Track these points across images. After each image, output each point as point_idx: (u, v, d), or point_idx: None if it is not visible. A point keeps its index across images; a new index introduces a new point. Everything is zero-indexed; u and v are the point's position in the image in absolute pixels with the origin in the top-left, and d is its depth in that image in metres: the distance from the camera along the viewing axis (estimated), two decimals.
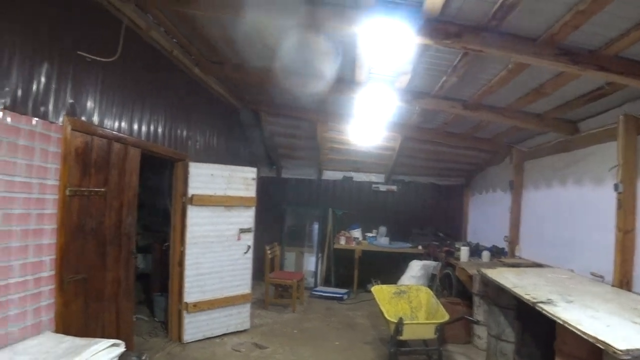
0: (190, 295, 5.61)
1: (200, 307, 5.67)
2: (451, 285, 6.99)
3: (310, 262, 9.15)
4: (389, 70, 5.02)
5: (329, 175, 9.45)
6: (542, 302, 3.53)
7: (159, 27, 4.58)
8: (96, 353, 2.96)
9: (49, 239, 3.43)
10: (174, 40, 4.92)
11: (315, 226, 9.23)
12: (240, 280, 6.13)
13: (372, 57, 4.59)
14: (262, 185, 9.27)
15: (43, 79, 3.29)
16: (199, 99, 6.09)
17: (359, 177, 9.40)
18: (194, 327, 5.68)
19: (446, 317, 4.90)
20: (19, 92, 3.09)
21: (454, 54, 4.18)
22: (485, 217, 8.27)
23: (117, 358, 3.16)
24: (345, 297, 8.24)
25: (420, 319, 5.64)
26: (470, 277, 5.95)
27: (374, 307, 6.07)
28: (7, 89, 2.97)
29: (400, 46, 4.07)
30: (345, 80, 5.51)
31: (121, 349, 3.20)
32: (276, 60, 5.13)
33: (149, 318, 6.35)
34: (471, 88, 5.02)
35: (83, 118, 3.75)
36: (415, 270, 7.43)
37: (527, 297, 3.76)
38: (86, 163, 3.80)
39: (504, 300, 4.78)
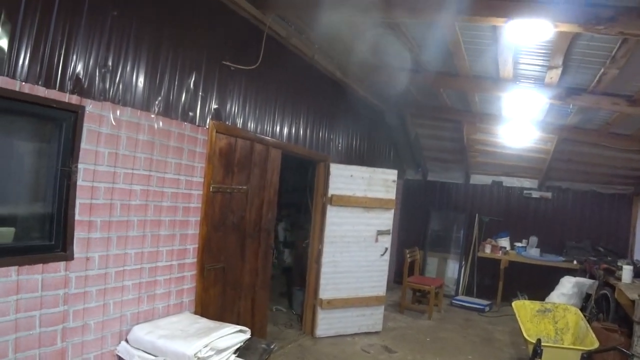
0: (325, 292, 5.78)
1: (334, 304, 5.82)
2: (608, 309, 6.22)
3: (453, 270, 8.85)
4: (537, 64, 4.63)
5: (477, 179, 9.02)
6: None
7: (299, 34, 4.78)
8: (222, 337, 3.20)
9: (193, 230, 3.80)
10: (315, 45, 5.09)
11: (460, 232, 8.88)
12: (376, 282, 6.15)
13: (516, 50, 4.28)
14: (407, 188, 9.24)
15: (192, 87, 3.65)
16: (341, 102, 6.22)
17: (509, 182, 8.81)
18: (327, 323, 5.84)
19: (595, 345, 4.38)
20: (171, 99, 3.47)
21: (610, 42, 3.71)
22: None
23: (243, 343, 3.39)
24: (487, 309, 7.80)
25: (565, 343, 5.13)
26: (633, 302, 5.23)
27: (516, 323, 5.67)
28: (159, 97, 3.35)
29: (546, 35, 3.72)
30: (490, 78, 5.22)
31: (246, 335, 3.43)
32: (417, 59, 5.05)
33: (287, 310, 6.68)
34: (637, 81, 4.41)
35: (227, 122, 4.07)
36: (567, 287, 6.75)
37: None
38: (229, 162, 4.13)
39: None
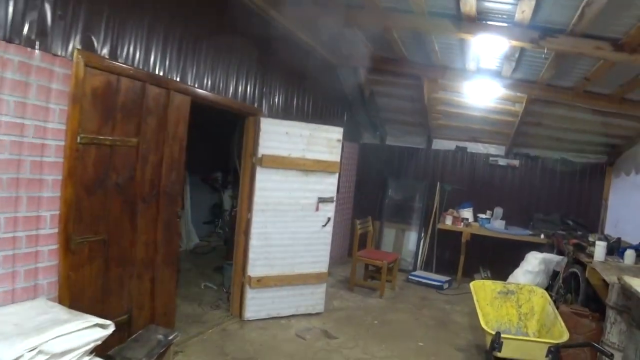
0: (255, 268, 4.96)
1: (265, 282, 5.00)
2: (578, 289, 5.57)
3: (411, 242, 8.11)
4: None
5: (440, 144, 8.22)
6: None
7: None
8: (61, 336, 2.34)
9: (51, 192, 2.89)
10: None
11: (421, 202, 8.12)
12: (316, 257, 5.35)
13: None
14: (363, 152, 8.43)
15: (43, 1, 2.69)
16: (280, 51, 5.26)
17: (475, 148, 8.04)
18: (258, 304, 5.04)
19: (565, 337, 3.67)
20: (8, 16, 2.51)
21: None
22: (635, 206, 6.54)
23: (101, 342, 2.54)
24: (446, 286, 7.12)
25: (530, 332, 4.43)
26: (605, 282, 4.56)
27: None
28: None
29: None
30: (450, 15, 4.35)
31: (106, 331, 2.57)
32: None
33: (218, 288, 5.86)
34: (626, 18, 3.60)
35: (103, 53, 3.12)
36: (533, 264, 6.07)
37: None
38: (109, 107, 3.20)
39: None
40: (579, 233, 6.50)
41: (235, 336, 4.63)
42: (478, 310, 4.12)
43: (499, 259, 7.51)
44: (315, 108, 6.34)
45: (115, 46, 3.22)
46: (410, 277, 7.36)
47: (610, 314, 4.37)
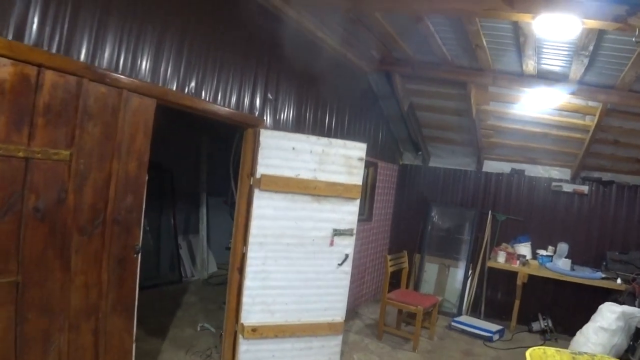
0: (250, 315, 4.01)
1: (262, 332, 4.04)
2: None
3: (457, 280, 6.92)
4: None
5: (492, 166, 7.03)
6: None
7: None
8: None
9: None
10: None
11: (469, 233, 6.95)
12: (330, 303, 4.33)
13: None
14: (403, 175, 7.43)
15: None
16: (292, 50, 4.37)
17: (534, 171, 6.79)
18: (254, 358, 4.08)
19: None
20: None
21: None
22: None
23: None
24: (496, 337, 5.88)
25: None
26: None
27: None
28: None
29: None
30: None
31: None
32: None
33: (216, 330, 4.93)
34: None
35: (10, 36, 2.30)
36: (610, 319, 4.79)
37: None
38: (23, 109, 2.37)
39: None
40: None
41: None
42: None
43: (563, 306, 6.25)
44: (338, 122, 5.39)
45: (40, 28, 2.40)
46: (453, 323, 6.17)
47: None
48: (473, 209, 6.96)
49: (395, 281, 5.97)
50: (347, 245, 4.31)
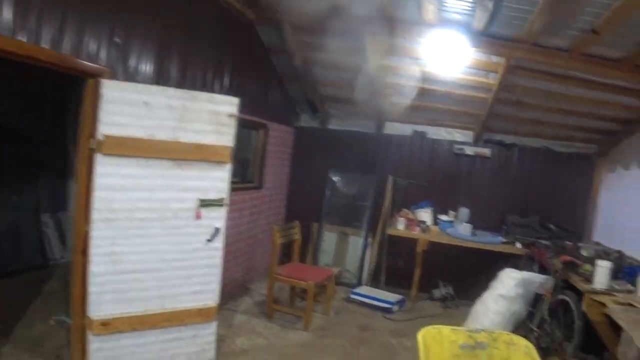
0: (100, 306, 3.29)
1: (116, 326, 3.34)
2: (568, 324, 4.08)
3: (357, 249, 6.52)
4: None
5: (394, 128, 6.60)
6: None
7: None
8: None
9: None
10: None
11: (369, 200, 6.53)
12: (200, 285, 3.69)
13: None
14: (300, 139, 6.82)
15: None
16: None
17: (437, 133, 6.45)
18: (109, 356, 3.38)
19: None
20: None
21: None
22: (636, 208, 5.07)
23: None
24: (396, 308, 5.57)
25: None
26: (610, 319, 3.09)
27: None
28: None
29: None
30: None
31: None
32: None
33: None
34: None
35: None
36: (509, 286, 4.55)
37: None
38: None
39: None
40: (568, 244, 5.01)
41: None
42: None
43: (464, 272, 6.06)
44: (216, 78, 4.66)
45: None
46: (351, 295, 5.79)
47: None
48: (374, 173, 6.55)
49: (289, 254, 5.45)
50: (218, 218, 3.66)
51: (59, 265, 5.92)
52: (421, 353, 2.83)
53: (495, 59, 4.57)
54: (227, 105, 3.61)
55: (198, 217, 3.58)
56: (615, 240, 5.24)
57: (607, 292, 3.66)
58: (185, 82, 4.16)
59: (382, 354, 4.42)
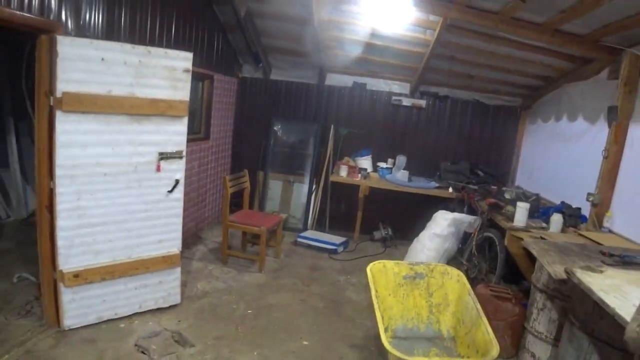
0: (70, 259, 3.43)
1: (87, 277, 3.51)
2: (493, 256, 4.66)
3: (302, 196, 6.85)
4: None
5: (335, 79, 6.85)
6: None
7: None
8: None
9: None
10: None
11: (312, 148, 6.82)
12: (163, 234, 3.90)
13: None
14: (243, 90, 6.90)
15: None
16: None
17: (376, 84, 6.78)
18: (82, 306, 3.57)
19: (493, 351, 2.58)
20: None
21: None
22: (551, 156, 5.68)
23: None
24: (340, 249, 6.01)
25: (444, 328, 3.39)
26: (526, 251, 3.61)
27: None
28: None
29: None
30: None
31: None
32: None
33: (39, 279, 4.24)
34: None
35: None
36: (442, 225, 5.07)
37: None
38: None
39: (605, 328, 2.42)
40: (493, 188, 5.57)
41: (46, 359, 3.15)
42: (378, 309, 2.94)
43: (402, 214, 6.58)
44: (163, 30, 4.65)
45: None
46: (298, 239, 6.16)
47: (538, 298, 3.44)
48: (316, 123, 6.81)
49: (237, 202, 5.69)
50: (177, 170, 3.83)
51: (5, 224, 5.82)
52: (371, 284, 3.25)
53: (432, 17, 4.85)
54: (182, 61, 3.70)
55: (158, 169, 3.73)
56: (533, 184, 5.89)
57: (525, 229, 4.20)
58: (134, 35, 4.16)
59: (332, 290, 4.84)
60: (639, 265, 2.91)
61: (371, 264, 3.48)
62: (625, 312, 2.04)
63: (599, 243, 3.66)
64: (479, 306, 3.04)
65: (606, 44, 4.44)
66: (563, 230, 4.20)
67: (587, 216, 4.41)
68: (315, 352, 3.64)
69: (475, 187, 5.67)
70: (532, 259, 3.69)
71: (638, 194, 4.02)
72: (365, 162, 6.51)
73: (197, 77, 5.54)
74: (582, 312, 2.64)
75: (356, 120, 6.80)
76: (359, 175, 6.27)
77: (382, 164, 6.52)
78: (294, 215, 6.81)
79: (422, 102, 6.65)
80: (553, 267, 2.76)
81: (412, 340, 3.36)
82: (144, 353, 3.40)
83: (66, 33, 3.34)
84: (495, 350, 2.56)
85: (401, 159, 6.40)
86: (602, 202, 4.33)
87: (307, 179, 6.81)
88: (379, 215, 6.65)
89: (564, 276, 2.57)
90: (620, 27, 3.99)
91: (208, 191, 6.20)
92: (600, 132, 4.59)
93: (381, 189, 6.23)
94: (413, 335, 3.40)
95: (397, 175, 6.25)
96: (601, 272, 2.53)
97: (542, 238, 3.82)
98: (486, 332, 2.76)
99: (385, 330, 2.84)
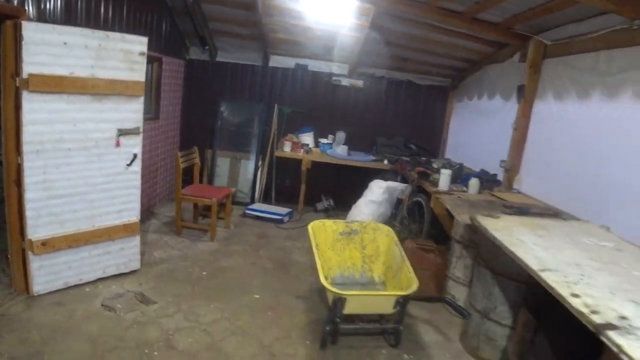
0: (37, 229, 3.73)
1: (54, 245, 3.82)
2: (422, 218, 5.29)
3: (249, 172, 7.27)
4: None
5: (278, 61, 7.27)
6: (612, 328, 1.77)
7: None
8: None
9: None
10: None
11: (257, 127, 7.22)
12: (123, 205, 4.25)
13: None
14: (190, 71, 7.19)
15: None
16: None
17: (317, 66, 7.26)
18: (49, 273, 3.87)
19: (414, 285, 3.18)
20: None
21: None
22: (474, 130, 6.39)
23: None
24: (286, 219, 6.51)
25: (376, 275, 3.96)
26: (449, 212, 4.23)
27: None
28: None
29: None
30: None
31: None
32: None
33: (2, 252, 4.46)
34: None
35: None
36: (377, 193, 5.67)
37: (588, 315, 1.92)
38: None
39: (502, 264, 3.06)
40: (423, 159, 6.22)
41: (17, 322, 3.45)
42: (318, 260, 3.46)
43: (342, 186, 7.13)
44: (116, 14, 4.91)
45: None
46: (247, 211, 6.60)
47: (456, 248, 4.08)
48: (261, 103, 7.22)
49: (188, 177, 6.04)
50: (135, 145, 4.18)
51: None
52: (312, 238, 3.77)
53: (367, 5, 5.35)
54: (138, 45, 4.03)
55: (118, 145, 4.07)
56: (459, 155, 6.59)
57: (447, 192, 4.84)
58: (90, 20, 4.42)
59: (279, 254, 5.34)
60: (532, 215, 3.58)
61: (312, 222, 4.00)
62: (509, 243, 2.66)
63: (506, 200, 4.34)
64: (403, 253, 3.63)
65: (517, 31, 5.09)
66: (480, 193, 4.87)
67: (502, 180, 5.11)
68: (266, 303, 4.14)
69: (408, 159, 6.28)
70: (453, 218, 4.32)
71: (540, 160, 4.73)
72: (307, 138, 7.00)
73: (146, 60, 5.79)
74: (485, 252, 3.27)
75: (299, 99, 7.27)
76: (302, 150, 6.76)
77: (323, 140, 7.04)
78: (242, 190, 7.22)
79: (360, 83, 7.19)
80: (462, 217, 3.38)
81: (348, 286, 3.91)
82: (111, 310, 3.77)
83: (28, 19, 3.59)
84: (415, 284, 3.15)
85: (341, 135, 6.93)
86: (512, 167, 5.04)
87: (253, 156, 7.23)
88: (322, 187, 7.19)
89: (469, 222, 3.18)
90: (526, 17, 4.63)
91: (159, 169, 6.51)
92: (513, 108, 5.27)
93: (323, 163, 6.76)
94: (349, 282, 3.96)
95: (337, 150, 6.79)
96: (497, 217, 3.15)
97: (458, 197, 4.45)
98: (408, 271, 3.35)
99: (325, 278, 3.37)
